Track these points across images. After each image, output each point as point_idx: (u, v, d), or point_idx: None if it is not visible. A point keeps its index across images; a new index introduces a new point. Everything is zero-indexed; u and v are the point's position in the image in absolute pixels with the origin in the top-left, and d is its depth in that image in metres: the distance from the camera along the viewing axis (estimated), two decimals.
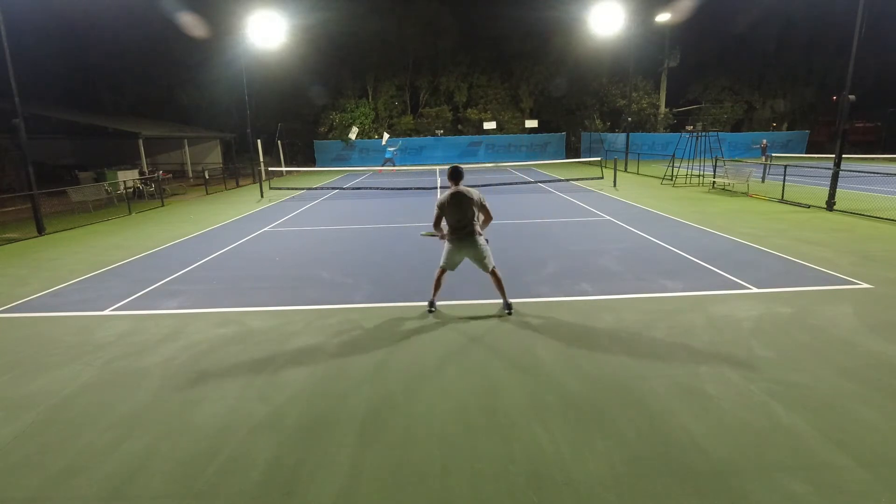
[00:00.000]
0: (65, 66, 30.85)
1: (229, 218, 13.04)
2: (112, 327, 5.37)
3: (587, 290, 6.13)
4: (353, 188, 20.06)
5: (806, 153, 33.32)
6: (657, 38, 33.24)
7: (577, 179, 19.93)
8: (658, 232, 9.56)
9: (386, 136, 32.79)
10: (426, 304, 5.57)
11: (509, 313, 5.36)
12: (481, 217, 5.31)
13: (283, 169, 25.09)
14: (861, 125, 36.13)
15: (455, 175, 5.23)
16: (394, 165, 29.07)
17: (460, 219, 5.15)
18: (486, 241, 5.34)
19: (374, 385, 3.98)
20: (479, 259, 5.28)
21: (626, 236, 9.33)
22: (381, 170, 28.03)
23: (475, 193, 5.17)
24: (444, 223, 5.32)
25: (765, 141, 28.56)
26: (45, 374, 4.33)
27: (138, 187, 18.25)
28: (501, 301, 5.44)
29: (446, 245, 5.31)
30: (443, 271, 5.43)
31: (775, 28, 35.00)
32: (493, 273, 5.37)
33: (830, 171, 11.88)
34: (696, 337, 4.71)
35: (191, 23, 28.63)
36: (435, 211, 5.25)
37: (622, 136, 31.43)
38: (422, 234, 5.87)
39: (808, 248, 8.01)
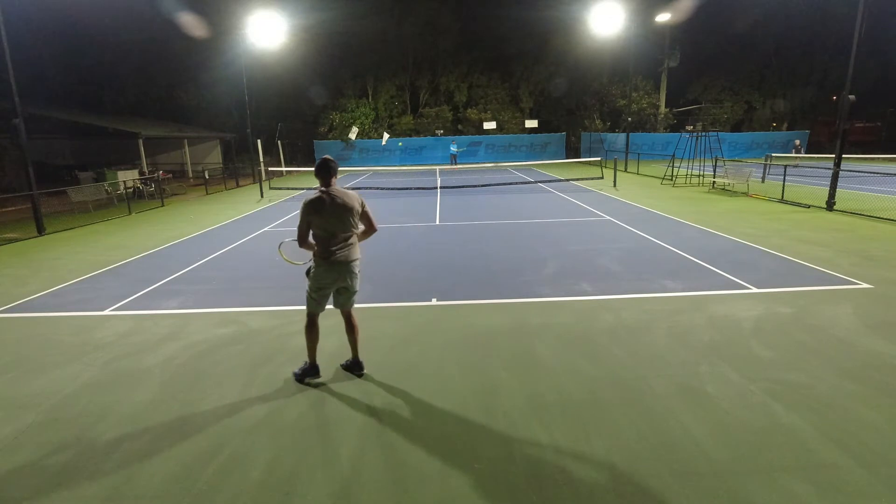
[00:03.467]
0: (65, 66, 30.85)
1: (229, 218, 13.04)
2: (112, 327, 5.37)
3: (587, 290, 6.13)
4: (353, 188, 20.02)
5: (806, 153, 33.31)
6: (657, 38, 33.23)
7: (577, 179, 19.93)
8: (658, 232, 9.56)
9: (386, 136, 32.80)
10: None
11: (360, 375, 4.10)
12: (361, 227, 3.99)
13: (283, 169, 25.06)
14: (861, 125, 36.13)
15: (324, 170, 3.79)
16: (456, 163, 30.92)
17: (337, 232, 3.77)
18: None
19: (374, 385, 3.98)
20: (350, 290, 3.94)
21: (626, 236, 9.33)
22: (452, 167, 29.81)
23: (354, 196, 3.86)
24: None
25: (797, 142, 28.99)
26: (45, 374, 4.33)
27: (138, 187, 18.24)
28: (351, 356, 4.17)
29: (312, 271, 3.89)
30: (314, 318, 3.98)
31: (775, 28, 35.01)
32: (351, 314, 4.06)
33: (830, 171, 11.89)
34: (696, 337, 4.71)
35: (191, 23, 28.63)
36: (300, 218, 3.76)
37: (622, 136, 31.42)
38: (280, 253, 4.14)
39: (808, 248, 8.01)
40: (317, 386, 3.99)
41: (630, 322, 5.10)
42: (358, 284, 3.97)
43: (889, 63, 32.16)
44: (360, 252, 3.99)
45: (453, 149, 32.08)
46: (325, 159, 3.86)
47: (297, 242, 3.87)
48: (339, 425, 3.43)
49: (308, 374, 4.06)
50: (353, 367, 4.16)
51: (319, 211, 3.72)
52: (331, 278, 3.85)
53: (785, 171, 14.33)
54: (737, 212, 11.89)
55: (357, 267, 3.92)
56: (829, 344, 4.50)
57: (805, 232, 9.36)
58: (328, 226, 3.75)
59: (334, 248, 3.78)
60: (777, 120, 39.26)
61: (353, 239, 3.89)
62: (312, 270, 3.90)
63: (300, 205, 3.78)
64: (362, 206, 3.89)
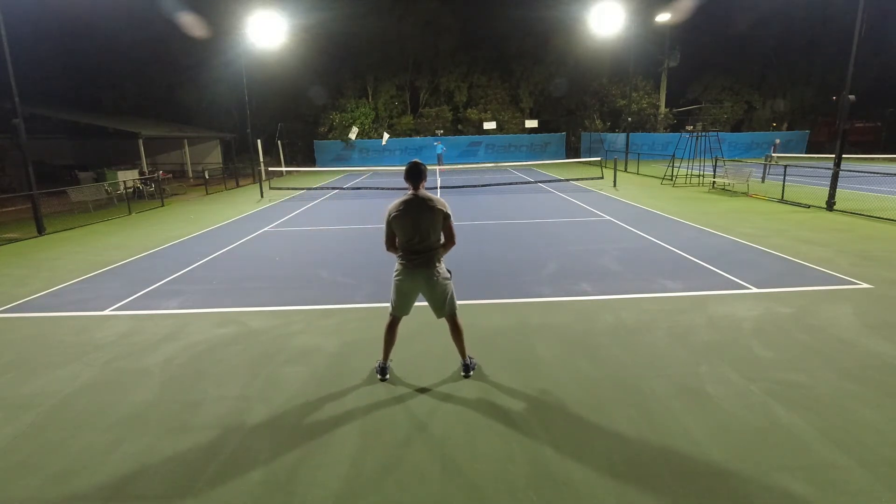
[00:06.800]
0: (65, 66, 30.86)
1: (229, 218, 13.04)
2: (112, 327, 5.37)
3: (587, 290, 6.13)
4: (353, 188, 20.05)
5: (806, 153, 33.33)
6: (657, 38, 33.22)
7: (578, 179, 19.93)
8: (658, 232, 9.56)
9: (386, 136, 32.78)
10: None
11: (466, 376, 4.03)
12: (442, 238, 3.82)
13: (283, 169, 25.08)
14: (861, 125, 36.14)
15: (414, 174, 3.75)
16: (442, 163, 30.55)
17: (414, 237, 3.68)
18: (449, 273, 3.90)
19: (374, 385, 3.98)
20: (435, 298, 3.82)
21: (626, 236, 9.33)
22: (441, 168, 29.43)
23: (440, 203, 3.71)
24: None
25: (777, 140, 29.14)
26: (45, 374, 4.32)
27: (138, 187, 18.25)
28: (459, 359, 4.11)
29: (394, 277, 3.88)
30: (395, 321, 3.99)
31: (775, 28, 34.99)
32: (453, 320, 3.96)
33: (830, 171, 11.89)
34: (696, 337, 4.71)
35: (191, 23, 28.63)
36: (384, 227, 3.81)
37: (622, 136, 31.43)
38: None
39: (808, 248, 8.01)
40: (322, 387, 3.99)
41: (630, 322, 5.10)
42: (443, 292, 3.82)
43: (889, 63, 32.14)
44: (442, 262, 3.86)
45: (439, 149, 31.31)
46: (416, 163, 3.78)
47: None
48: (339, 425, 3.42)
49: (378, 373, 4.07)
50: (461, 369, 4.10)
51: (399, 214, 3.68)
52: (408, 286, 3.82)
53: (785, 171, 14.33)
54: (737, 212, 11.89)
55: (436, 276, 3.77)
56: (829, 344, 4.50)
57: (805, 232, 9.36)
58: (406, 231, 3.69)
59: (411, 256, 3.74)
60: (777, 120, 39.25)
61: (435, 248, 3.76)
62: (394, 277, 3.88)
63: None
64: (445, 216, 3.72)
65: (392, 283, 3.90)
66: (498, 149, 35.18)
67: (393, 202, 3.77)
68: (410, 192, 3.75)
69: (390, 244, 3.86)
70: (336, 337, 4.94)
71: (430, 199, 3.70)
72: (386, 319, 4.09)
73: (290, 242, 9.75)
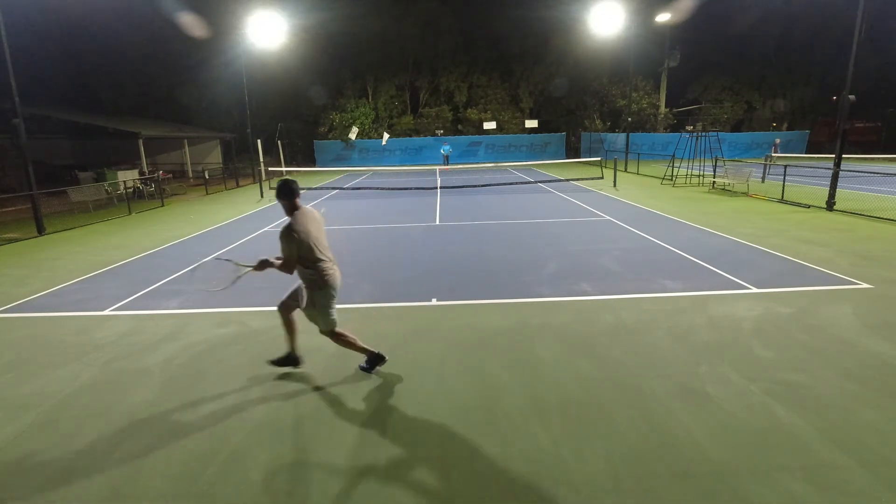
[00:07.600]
0: (65, 66, 30.87)
1: (229, 218, 13.04)
2: (112, 327, 5.37)
3: (587, 290, 6.13)
4: (353, 188, 20.05)
5: (806, 153, 33.31)
6: (657, 38, 33.18)
7: (578, 179, 19.93)
8: (658, 232, 9.56)
9: (386, 136, 32.78)
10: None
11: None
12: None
13: (283, 169, 25.08)
14: (861, 125, 36.14)
15: (286, 192, 3.71)
16: (448, 163, 30.76)
17: (324, 246, 3.85)
18: None
19: (374, 385, 3.98)
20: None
21: (626, 236, 9.33)
22: (445, 168, 29.72)
23: (319, 213, 3.99)
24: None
25: (778, 140, 29.25)
26: (45, 374, 4.33)
27: (138, 187, 18.25)
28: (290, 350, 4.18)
29: (329, 291, 3.83)
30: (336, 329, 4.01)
31: (775, 28, 34.98)
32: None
33: (830, 171, 11.89)
34: (696, 337, 4.71)
35: (191, 22, 28.64)
36: (291, 245, 3.58)
37: (622, 136, 31.42)
38: (237, 276, 3.98)
39: (808, 248, 8.01)
40: (322, 387, 3.99)
41: (630, 322, 5.10)
42: None
43: (889, 63, 32.14)
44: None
45: (444, 150, 31.57)
46: (287, 181, 3.78)
47: (247, 267, 3.81)
48: (339, 425, 3.43)
49: (375, 363, 4.15)
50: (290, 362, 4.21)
51: (308, 230, 3.67)
52: (336, 291, 3.94)
53: (785, 172, 14.33)
54: (737, 212, 11.89)
55: None
56: (829, 344, 4.50)
57: (805, 232, 9.36)
58: (319, 242, 3.78)
59: (331, 264, 3.87)
60: (777, 120, 39.25)
61: None
62: (319, 293, 3.80)
63: (280, 233, 3.60)
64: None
65: (327, 301, 3.84)
66: (498, 149, 35.18)
67: (293, 223, 3.62)
68: (298, 207, 3.78)
69: (293, 266, 3.68)
70: None
71: (313, 210, 3.90)
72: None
73: None
